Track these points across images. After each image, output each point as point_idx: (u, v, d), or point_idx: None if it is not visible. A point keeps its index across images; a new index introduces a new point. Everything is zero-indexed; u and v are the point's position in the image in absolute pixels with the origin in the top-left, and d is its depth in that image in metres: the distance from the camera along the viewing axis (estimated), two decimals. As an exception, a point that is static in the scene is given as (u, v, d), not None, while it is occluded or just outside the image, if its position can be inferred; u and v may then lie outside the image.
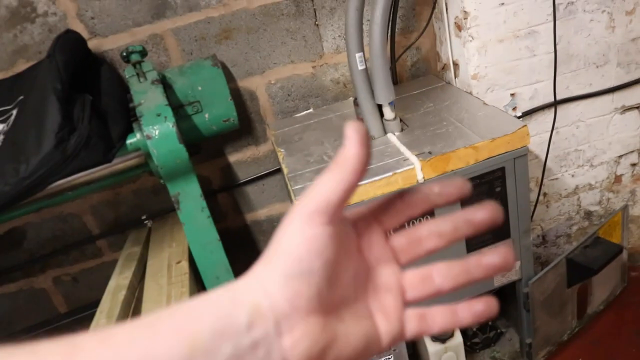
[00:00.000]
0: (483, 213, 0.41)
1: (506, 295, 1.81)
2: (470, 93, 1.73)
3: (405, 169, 1.35)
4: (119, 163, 1.46)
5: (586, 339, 1.91)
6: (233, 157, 1.90)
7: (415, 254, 0.42)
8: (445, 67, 1.87)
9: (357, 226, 0.41)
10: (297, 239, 0.35)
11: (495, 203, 0.41)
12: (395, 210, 0.42)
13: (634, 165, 2.04)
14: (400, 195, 0.42)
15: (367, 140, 0.36)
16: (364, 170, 0.36)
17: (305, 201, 0.36)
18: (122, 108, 1.49)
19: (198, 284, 1.61)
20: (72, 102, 1.35)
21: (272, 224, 2.02)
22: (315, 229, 0.35)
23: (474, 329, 1.85)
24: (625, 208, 1.92)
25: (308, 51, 1.81)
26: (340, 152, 0.36)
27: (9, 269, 1.91)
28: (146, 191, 1.89)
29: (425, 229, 0.41)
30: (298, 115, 1.85)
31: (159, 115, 1.35)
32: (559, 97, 1.79)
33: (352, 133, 0.36)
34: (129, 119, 1.47)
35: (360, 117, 1.55)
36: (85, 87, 1.46)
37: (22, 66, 1.64)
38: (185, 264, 1.61)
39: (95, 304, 1.55)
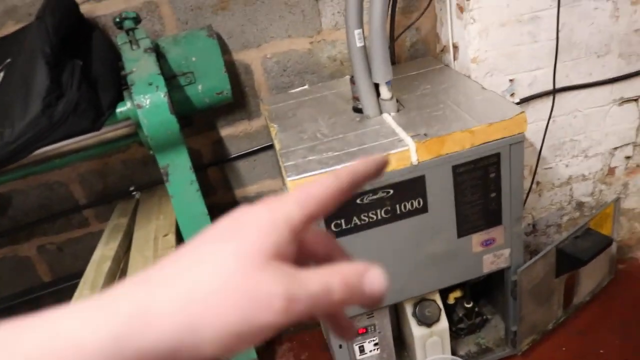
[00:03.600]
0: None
1: (494, 282, 1.80)
2: (469, 77, 1.70)
3: (399, 150, 1.32)
4: (108, 132, 1.43)
5: (571, 329, 1.91)
6: (225, 131, 1.86)
7: None
8: (444, 49, 1.84)
9: None
10: None
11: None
12: None
13: (628, 158, 2.02)
14: None
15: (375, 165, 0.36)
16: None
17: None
18: (113, 75, 1.45)
19: (185, 258, 1.59)
20: (61, 66, 1.32)
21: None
22: None
23: (460, 315, 1.84)
24: (617, 200, 1.91)
25: (306, 26, 1.77)
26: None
27: (-7, 236, 1.89)
28: (135, 162, 1.86)
29: None
30: (293, 91, 1.82)
31: (150, 84, 1.32)
32: (558, 85, 1.77)
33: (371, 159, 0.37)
34: (120, 87, 1.44)
35: (355, 96, 1.52)
36: (76, 53, 1.42)
37: (10, 28, 1.60)
38: (172, 237, 1.59)
39: (80, 274, 1.53)
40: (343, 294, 0.31)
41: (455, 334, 1.87)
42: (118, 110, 1.40)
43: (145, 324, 0.27)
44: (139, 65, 1.39)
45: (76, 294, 1.44)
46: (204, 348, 0.28)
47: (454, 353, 1.79)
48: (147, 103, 1.30)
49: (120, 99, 1.42)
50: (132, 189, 1.87)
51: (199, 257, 0.30)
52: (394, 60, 1.87)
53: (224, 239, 0.31)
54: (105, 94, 1.39)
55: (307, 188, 0.34)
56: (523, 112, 1.39)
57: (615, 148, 1.99)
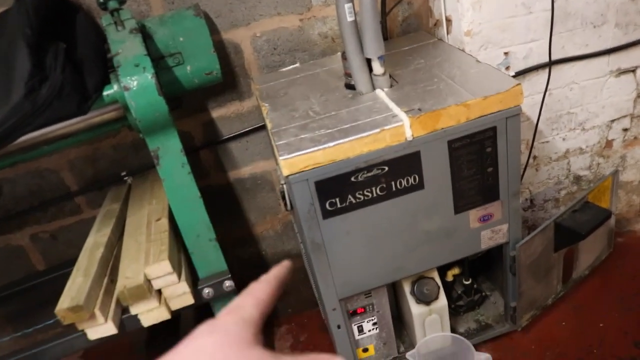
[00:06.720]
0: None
1: (492, 258, 1.79)
2: (463, 50, 1.67)
3: (393, 125, 1.30)
4: (96, 116, 1.40)
5: (570, 303, 1.91)
6: (216, 113, 1.83)
7: None
8: (437, 23, 1.80)
9: None
10: None
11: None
12: None
13: (625, 130, 2.00)
14: None
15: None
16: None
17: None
18: (98, 58, 1.42)
19: (178, 242, 1.57)
20: (44, 49, 1.28)
21: (256, 182, 1.97)
22: None
23: (459, 292, 1.83)
24: (615, 173, 1.89)
25: (295, 3, 1.73)
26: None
27: (-16, 225, 1.86)
28: (126, 146, 1.83)
29: None
30: (284, 69, 1.78)
31: (137, 65, 1.29)
32: (553, 57, 1.74)
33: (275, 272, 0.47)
34: (106, 70, 1.40)
35: (348, 72, 1.49)
36: (59, 36, 1.38)
37: (-8, 12, 1.56)
38: (165, 222, 1.57)
39: (74, 261, 1.51)
40: None
41: (455, 312, 1.86)
42: (105, 93, 1.36)
43: None
44: (125, 47, 1.35)
45: (69, 281, 1.41)
46: None
47: (453, 330, 1.78)
48: (134, 85, 1.27)
49: (106, 81, 1.38)
50: (123, 174, 1.84)
51: (198, 350, 0.37)
52: (386, 35, 1.83)
53: (211, 334, 0.38)
54: (90, 77, 1.35)
55: (254, 294, 0.43)
56: (519, 84, 1.36)
57: (613, 120, 1.96)
